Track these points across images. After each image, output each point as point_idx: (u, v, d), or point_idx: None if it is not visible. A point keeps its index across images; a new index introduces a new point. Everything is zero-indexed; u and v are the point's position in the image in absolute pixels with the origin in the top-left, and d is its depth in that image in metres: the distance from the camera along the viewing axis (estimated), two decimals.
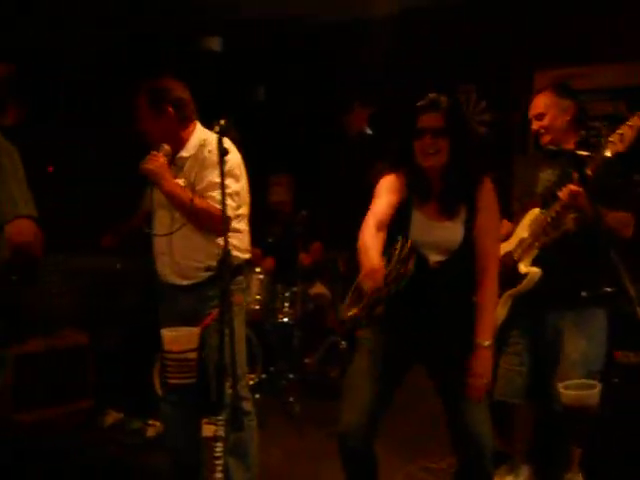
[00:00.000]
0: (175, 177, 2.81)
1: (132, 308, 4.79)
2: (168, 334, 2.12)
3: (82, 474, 3.36)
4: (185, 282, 2.85)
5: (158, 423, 3.84)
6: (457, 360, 2.36)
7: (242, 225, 2.93)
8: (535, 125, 3.07)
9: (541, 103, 3.06)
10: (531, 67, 4.57)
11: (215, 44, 5.34)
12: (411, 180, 2.39)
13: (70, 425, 4.03)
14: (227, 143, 2.66)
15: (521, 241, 3.00)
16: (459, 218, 2.38)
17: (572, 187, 2.73)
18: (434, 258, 2.36)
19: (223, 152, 2.22)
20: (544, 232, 2.92)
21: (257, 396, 4.08)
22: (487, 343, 2.34)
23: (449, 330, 2.40)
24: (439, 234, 2.37)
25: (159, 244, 2.92)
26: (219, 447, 2.07)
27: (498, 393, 3.15)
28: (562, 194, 2.77)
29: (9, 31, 4.19)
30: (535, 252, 2.97)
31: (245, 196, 2.95)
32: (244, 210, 2.95)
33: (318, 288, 5.05)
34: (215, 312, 2.11)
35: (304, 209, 4.38)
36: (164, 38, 5.03)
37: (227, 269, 2.11)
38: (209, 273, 2.69)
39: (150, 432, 3.79)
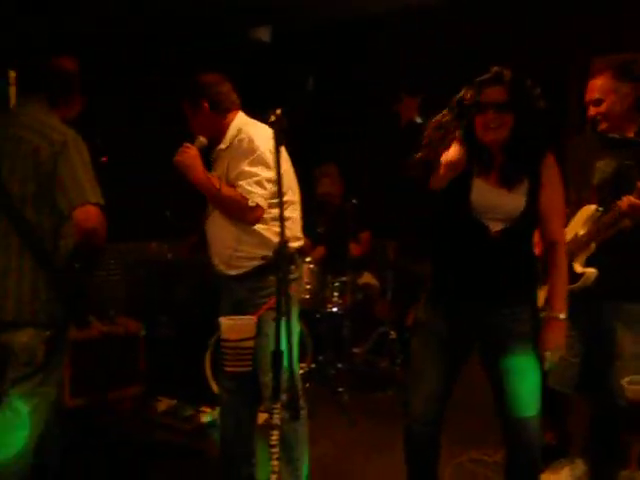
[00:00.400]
0: (213, 169, 2.85)
1: (185, 297, 4.86)
2: (226, 322, 2.14)
3: (135, 458, 3.42)
4: (233, 272, 2.86)
5: (210, 410, 3.90)
6: (517, 334, 2.35)
7: (289, 212, 2.83)
8: (592, 111, 2.94)
9: (599, 87, 2.92)
10: (589, 51, 4.45)
11: (265, 35, 5.35)
12: (472, 151, 2.34)
13: (122, 411, 4.11)
14: (257, 130, 2.78)
15: (576, 237, 2.93)
16: (521, 189, 2.34)
17: (633, 200, 2.66)
18: (495, 227, 2.32)
19: (280, 142, 2.20)
20: (600, 231, 2.85)
21: (306, 385, 4.11)
22: (562, 315, 2.37)
23: (511, 303, 2.37)
24: (500, 200, 2.33)
25: (208, 234, 2.95)
26: (275, 435, 2.08)
27: (551, 381, 3.11)
28: (622, 204, 2.71)
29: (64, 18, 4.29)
30: (591, 251, 2.91)
31: (291, 183, 2.90)
32: (291, 197, 2.87)
33: (367, 278, 5.04)
34: (272, 301, 2.10)
35: (353, 199, 4.36)
36: (214, 30, 5.06)
37: (284, 258, 2.11)
38: (256, 263, 2.75)
39: (202, 418, 3.84)
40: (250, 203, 2.69)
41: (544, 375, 2.48)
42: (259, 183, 2.70)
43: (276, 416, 2.10)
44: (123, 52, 4.75)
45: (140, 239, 5.00)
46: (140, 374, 4.34)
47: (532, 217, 2.38)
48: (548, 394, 2.88)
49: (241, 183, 2.71)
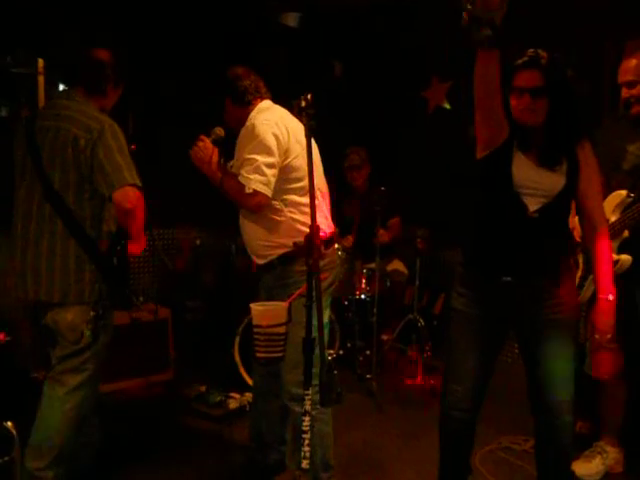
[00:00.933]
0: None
1: (213, 283, 4.89)
2: (256, 308, 2.14)
3: (165, 443, 3.46)
4: (261, 261, 2.88)
5: (239, 396, 3.92)
6: (554, 316, 2.34)
7: (306, 199, 2.75)
8: (625, 93, 2.89)
9: (632, 69, 2.86)
10: (625, 33, 4.34)
11: (292, 20, 5.32)
12: (512, 128, 2.31)
13: (153, 397, 4.16)
14: (265, 116, 2.79)
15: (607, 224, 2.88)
16: (561, 169, 2.31)
17: None
18: (533, 206, 2.30)
19: (311, 129, 2.18)
20: (633, 218, 2.80)
21: (335, 372, 4.10)
22: (611, 297, 2.36)
23: (546, 283, 2.35)
24: (540, 177, 2.30)
25: (240, 225, 2.97)
26: (307, 421, 2.08)
27: (588, 368, 3.08)
28: None
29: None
30: (624, 237, 2.86)
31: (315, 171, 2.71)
32: (304, 184, 2.75)
33: (395, 264, 5.02)
34: (303, 287, 2.10)
35: (382, 185, 4.34)
36: (243, 16, 5.03)
37: (313, 245, 2.09)
38: (281, 251, 2.78)
39: (232, 404, 3.86)
40: (247, 190, 2.67)
41: (581, 362, 2.45)
42: (257, 169, 2.66)
43: (307, 402, 2.10)
44: (153, 42, 4.75)
45: (168, 225, 5.02)
46: (170, 360, 4.39)
47: (569, 197, 2.36)
48: (583, 382, 2.86)
49: (241, 171, 2.71)
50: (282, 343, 2.12)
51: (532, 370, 2.43)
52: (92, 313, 2.55)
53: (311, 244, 2.07)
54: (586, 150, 2.36)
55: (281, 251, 2.78)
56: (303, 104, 2.21)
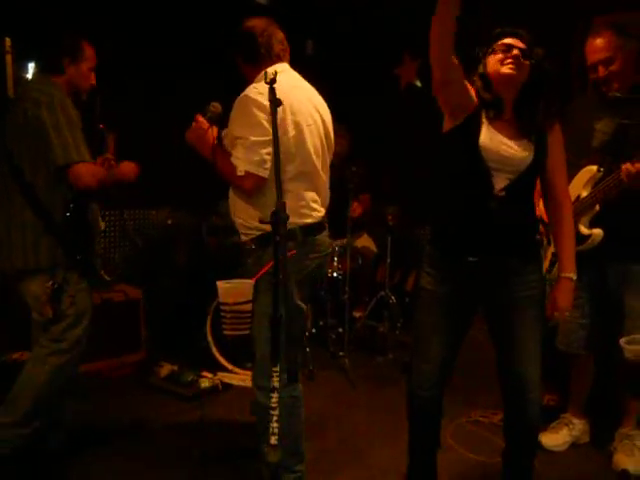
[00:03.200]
0: None
1: (185, 262, 4.86)
2: (222, 286, 2.13)
3: (136, 422, 3.45)
4: (243, 238, 2.68)
5: (210, 375, 3.92)
6: (522, 292, 2.34)
7: (291, 186, 2.52)
8: (601, 72, 2.85)
9: (605, 46, 2.82)
10: (590, 12, 4.37)
11: None
12: (483, 95, 2.29)
13: (123, 377, 4.14)
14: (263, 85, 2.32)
15: (579, 199, 2.90)
16: (528, 144, 2.29)
17: (630, 168, 2.64)
18: (499, 184, 2.27)
19: (276, 103, 2.15)
20: (604, 192, 2.82)
21: (307, 350, 4.13)
22: (574, 276, 2.37)
23: (514, 262, 2.35)
24: (508, 150, 2.27)
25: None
26: (274, 398, 2.08)
27: (560, 343, 3.13)
28: (622, 174, 2.68)
29: None
30: (595, 211, 2.89)
31: (301, 151, 2.55)
32: (300, 167, 2.55)
33: (365, 241, 5.02)
34: (269, 265, 2.09)
35: (355, 162, 4.33)
36: None
37: (279, 223, 2.08)
38: (254, 232, 2.57)
39: (204, 384, 3.86)
40: (238, 172, 2.43)
41: (550, 336, 2.47)
42: (249, 148, 2.40)
43: (275, 379, 2.10)
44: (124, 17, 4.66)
45: (140, 206, 4.97)
46: (141, 340, 4.37)
47: (536, 173, 2.35)
48: (552, 356, 2.90)
49: (233, 151, 2.48)
50: (249, 320, 2.12)
51: (501, 348, 2.43)
52: (49, 282, 2.65)
53: (278, 222, 2.06)
54: (555, 127, 2.36)
55: (257, 232, 2.57)
56: (268, 80, 2.19)
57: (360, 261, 4.87)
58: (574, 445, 3.21)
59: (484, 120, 2.29)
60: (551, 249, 3.00)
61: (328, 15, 5.59)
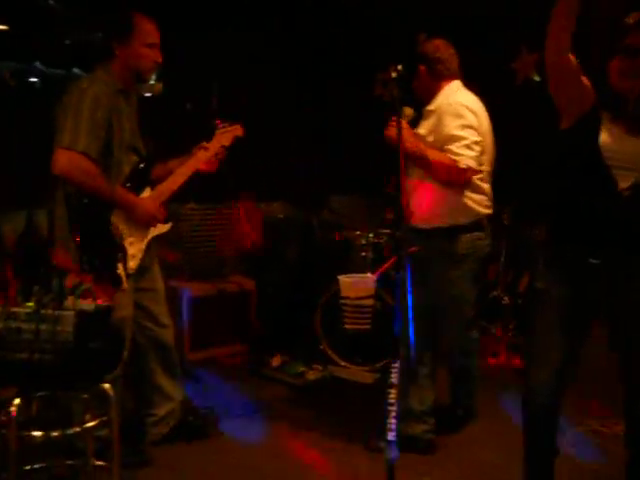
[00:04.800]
0: (419, 126, 3.06)
1: (296, 255, 4.95)
2: (344, 280, 2.15)
3: (247, 411, 3.54)
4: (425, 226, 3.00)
5: (321, 367, 3.97)
6: None
7: (484, 185, 3.05)
8: None
9: None
10: None
11: None
12: (602, 95, 2.20)
13: (236, 365, 4.27)
14: (466, 97, 3.02)
15: None
16: None
17: None
18: (623, 183, 2.16)
19: (400, 98, 2.15)
20: None
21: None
22: None
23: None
24: (632, 147, 2.16)
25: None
26: (393, 394, 2.08)
27: None
28: None
29: None
30: None
31: (487, 149, 3.06)
32: (487, 167, 3.05)
33: None
34: (392, 260, 2.09)
35: None
36: None
37: (402, 218, 2.08)
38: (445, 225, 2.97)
39: (311, 375, 3.92)
40: (461, 165, 2.82)
41: None
42: (468, 146, 2.84)
43: (394, 374, 2.10)
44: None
45: (252, 200, 5.09)
46: (253, 330, 4.49)
47: None
48: None
49: (451, 147, 2.85)
50: (369, 315, 2.13)
51: (625, 355, 2.32)
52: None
53: (399, 215, 2.06)
54: None
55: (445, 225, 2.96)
56: (393, 75, 2.19)
57: None
58: None
59: (604, 118, 2.19)
60: None
61: (440, 8, 5.50)
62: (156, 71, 2.82)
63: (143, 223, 2.77)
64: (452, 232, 2.97)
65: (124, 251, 2.68)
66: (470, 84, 3.56)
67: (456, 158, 2.84)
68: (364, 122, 5.26)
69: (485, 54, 5.43)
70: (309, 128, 4.92)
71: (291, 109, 4.75)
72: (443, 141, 2.90)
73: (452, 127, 2.88)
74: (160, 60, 2.79)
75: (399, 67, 2.20)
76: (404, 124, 2.86)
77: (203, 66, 4.16)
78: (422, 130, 3.03)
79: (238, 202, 4.52)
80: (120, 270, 2.62)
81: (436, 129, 2.96)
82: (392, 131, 2.81)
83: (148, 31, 2.74)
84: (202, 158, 2.96)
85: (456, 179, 2.89)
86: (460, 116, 2.90)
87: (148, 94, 2.93)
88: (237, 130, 3.05)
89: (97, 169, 2.57)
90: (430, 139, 2.96)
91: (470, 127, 2.89)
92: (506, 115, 5.27)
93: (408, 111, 2.95)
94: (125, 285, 2.65)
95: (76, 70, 4.51)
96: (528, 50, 5.30)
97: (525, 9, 5.00)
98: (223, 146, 3.01)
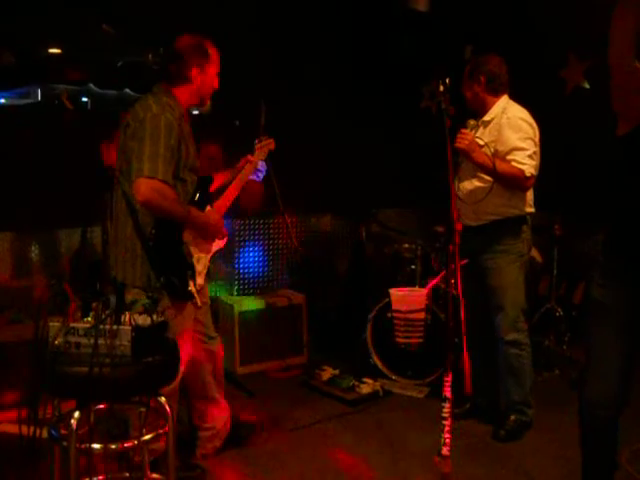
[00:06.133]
0: (477, 136, 3.31)
1: (344, 269, 4.95)
2: (395, 293, 2.15)
3: (298, 422, 3.57)
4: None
5: (372, 381, 3.94)
6: None
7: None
8: None
9: None
10: None
11: (422, 4, 5.24)
12: None
13: (287, 378, 4.28)
14: (521, 111, 3.32)
15: None
16: None
17: None
18: None
19: (447, 110, 2.15)
20: None
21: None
22: None
23: None
24: None
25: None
26: (446, 408, 2.07)
27: None
28: None
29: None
30: None
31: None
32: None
33: (531, 252, 4.84)
34: (443, 274, 2.08)
35: None
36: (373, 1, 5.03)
37: (453, 232, 2.07)
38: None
39: (364, 389, 3.89)
40: (527, 174, 3.20)
41: None
42: (530, 156, 3.22)
43: (447, 388, 2.09)
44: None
45: (301, 213, 5.13)
46: (304, 344, 4.50)
47: None
48: None
49: (515, 157, 3.22)
50: (421, 328, 2.12)
51: None
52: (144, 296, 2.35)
53: (451, 230, 2.05)
54: None
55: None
56: (441, 89, 2.19)
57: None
58: None
59: None
60: None
61: (485, 19, 5.47)
62: None
63: (212, 238, 2.87)
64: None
65: (193, 269, 2.74)
66: (519, 94, 3.57)
67: (522, 167, 3.19)
68: (412, 134, 5.27)
69: (533, 63, 5.39)
70: (357, 141, 4.93)
71: (339, 122, 4.77)
72: (506, 152, 3.24)
73: (514, 139, 3.23)
74: (217, 87, 2.88)
75: (447, 80, 2.19)
76: (471, 136, 3.21)
77: (249, 82, 4.23)
78: (482, 140, 3.28)
79: (287, 216, 4.55)
80: (191, 287, 2.69)
81: (497, 140, 3.28)
82: (464, 143, 3.16)
83: (217, 59, 2.84)
84: (249, 172, 3.05)
85: (521, 185, 3.26)
86: (520, 129, 3.25)
87: (196, 112, 3.00)
88: (270, 144, 3.14)
89: (175, 194, 2.64)
90: (491, 149, 3.24)
91: (530, 139, 3.25)
92: (556, 124, 5.23)
93: (472, 122, 3.31)
94: (198, 301, 2.72)
95: (127, 90, 4.66)
96: (577, 58, 5.22)
97: (572, 17, 4.95)
98: (262, 160, 3.11)
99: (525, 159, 3.21)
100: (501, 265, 3.31)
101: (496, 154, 3.22)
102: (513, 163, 3.22)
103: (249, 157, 3.08)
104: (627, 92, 2.14)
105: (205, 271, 2.86)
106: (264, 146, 3.12)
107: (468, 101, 3.43)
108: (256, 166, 3.09)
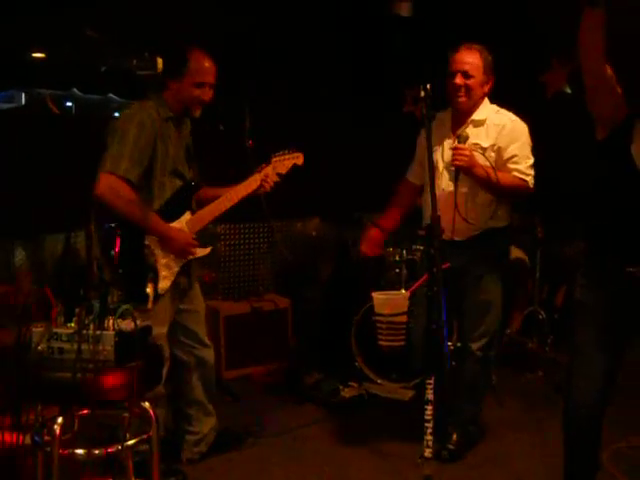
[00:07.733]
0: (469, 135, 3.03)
1: (330, 274, 4.96)
2: (378, 297, 2.17)
3: (281, 427, 3.57)
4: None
5: (356, 385, 3.96)
6: None
7: None
8: None
9: None
10: None
11: (404, 9, 5.26)
12: (634, 105, 2.19)
13: (271, 383, 4.28)
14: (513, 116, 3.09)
15: None
16: None
17: None
18: None
19: (430, 116, 2.18)
20: None
21: (453, 364, 4.06)
22: None
23: None
24: None
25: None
26: (429, 410, 2.09)
27: None
28: None
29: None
30: None
31: None
32: None
33: (516, 252, 4.86)
34: (424, 277, 2.10)
35: None
36: (354, 7, 5.04)
37: (435, 233, 2.09)
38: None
39: (346, 393, 3.91)
40: (530, 185, 3.01)
41: None
42: (531, 167, 3.02)
43: (429, 391, 2.10)
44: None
45: (287, 218, 5.13)
46: (289, 348, 4.50)
47: None
48: None
49: (518, 167, 3.00)
50: (403, 332, 2.14)
51: None
52: None
53: (432, 232, 2.07)
54: None
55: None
56: (422, 94, 2.22)
57: (510, 274, 4.72)
58: None
59: (637, 127, 2.19)
60: None
61: (473, 25, 5.50)
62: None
63: (176, 253, 2.79)
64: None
65: (156, 272, 2.72)
66: (501, 97, 3.60)
67: (526, 178, 3.01)
68: (396, 139, 5.28)
69: (514, 67, 5.43)
70: (342, 145, 4.95)
71: (324, 127, 4.77)
72: (506, 159, 3.02)
73: (519, 145, 3.02)
74: (208, 99, 2.80)
75: (428, 86, 2.22)
76: (469, 151, 2.92)
77: (232, 85, 4.23)
78: (475, 140, 3.02)
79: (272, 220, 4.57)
80: (149, 290, 2.64)
81: (498, 143, 3.02)
82: (462, 160, 2.88)
83: (201, 70, 2.74)
84: (251, 187, 2.92)
85: (522, 197, 3.10)
86: (523, 134, 3.05)
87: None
88: (298, 159, 3.00)
89: (134, 195, 2.63)
90: (492, 153, 3.00)
91: (529, 147, 3.05)
92: (537, 128, 5.27)
93: (465, 134, 2.98)
94: (150, 305, 2.64)
95: (111, 95, 4.65)
96: (559, 63, 5.27)
97: (554, 22, 4.99)
98: (279, 174, 2.97)
99: (529, 169, 3.03)
100: (487, 280, 3.12)
101: (496, 160, 3.00)
102: (515, 173, 3.01)
103: (264, 166, 2.96)
104: (601, 93, 2.18)
105: (172, 277, 2.80)
106: (286, 159, 2.99)
107: (463, 103, 3.08)
108: (273, 179, 2.94)
